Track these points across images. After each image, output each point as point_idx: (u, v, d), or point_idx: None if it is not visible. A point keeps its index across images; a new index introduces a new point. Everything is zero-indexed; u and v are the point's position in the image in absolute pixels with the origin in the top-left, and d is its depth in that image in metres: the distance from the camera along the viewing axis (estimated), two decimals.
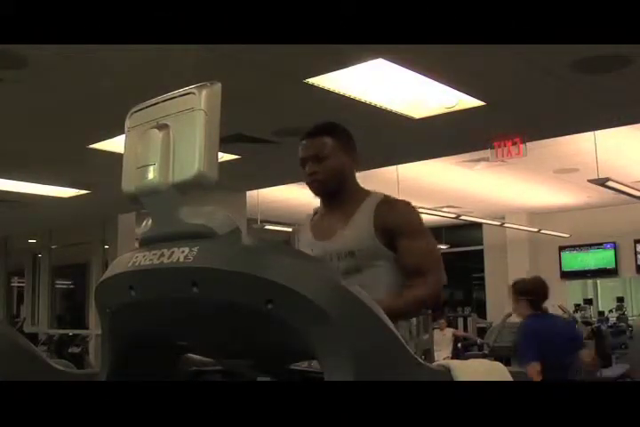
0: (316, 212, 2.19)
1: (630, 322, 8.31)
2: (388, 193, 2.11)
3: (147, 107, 1.10)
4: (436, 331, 7.58)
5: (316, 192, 2.10)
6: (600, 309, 10.77)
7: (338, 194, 2.07)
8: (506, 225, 10.55)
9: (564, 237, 10.87)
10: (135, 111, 1.12)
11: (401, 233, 1.98)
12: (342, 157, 2.05)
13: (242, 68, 3.84)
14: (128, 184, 1.08)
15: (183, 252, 0.99)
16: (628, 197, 7.91)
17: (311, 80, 4.06)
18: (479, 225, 11.45)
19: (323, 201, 2.15)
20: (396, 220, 1.99)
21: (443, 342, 8.03)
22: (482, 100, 4.53)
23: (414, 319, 2.27)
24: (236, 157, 5.82)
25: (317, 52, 3.45)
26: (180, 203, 1.03)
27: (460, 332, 9.09)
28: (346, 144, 2.08)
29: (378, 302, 1.78)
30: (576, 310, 9.67)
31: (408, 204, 2.07)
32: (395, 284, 1.99)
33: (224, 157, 5.70)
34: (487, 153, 5.78)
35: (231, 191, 6.85)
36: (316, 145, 2.04)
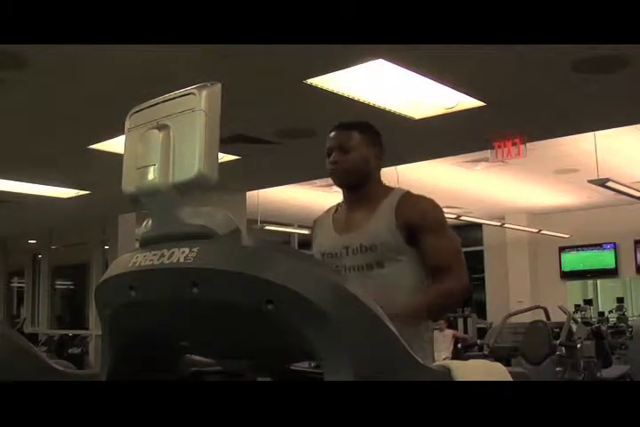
0: (338, 206, 2.18)
1: (630, 322, 8.30)
2: None
3: (147, 107, 1.09)
4: (435, 332, 7.56)
5: (336, 182, 2.12)
6: (600, 309, 10.76)
7: (360, 188, 2.08)
8: (506, 225, 10.55)
9: (564, 237, 10.85)
10: (135, 112, 1.12)
11: (425, 229, 1.98)
12: (367, 151, 2.07)
13: (242, 69, 3.84)
14: (128, 185, 1.08)
15: (183, 252, 0.99)
16: (628, 198, 7.90)
17: (311, 80, 4.06)
18: (479, 225, 11.43)
19: (345, 195, 2.15)
20: (419, 215, 1.99)
21: (442, 342, 8.02)
22: (482, 101, 4.53)
23: None
24: (236, 157, 5.82)
25: (317, 52, 3.45)
26: (181, 203, 1.03)
27: (460, 334, 9.07)
28: (372, 140, 2.10)
29: (416, 301, 1.89)
30: (576, 311, 9.66)
31: (431, 200, 2.06)
32: (417, 278, 1.99)
33: (224, 157, 5.69)
34: (487, 153, 5.78)
35: (231, 191, 6.85)
36: (342, 136, 2.07)
